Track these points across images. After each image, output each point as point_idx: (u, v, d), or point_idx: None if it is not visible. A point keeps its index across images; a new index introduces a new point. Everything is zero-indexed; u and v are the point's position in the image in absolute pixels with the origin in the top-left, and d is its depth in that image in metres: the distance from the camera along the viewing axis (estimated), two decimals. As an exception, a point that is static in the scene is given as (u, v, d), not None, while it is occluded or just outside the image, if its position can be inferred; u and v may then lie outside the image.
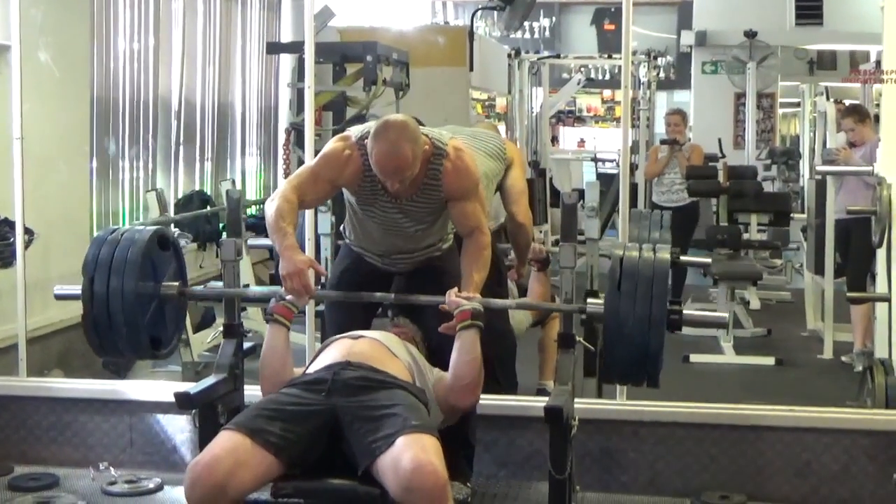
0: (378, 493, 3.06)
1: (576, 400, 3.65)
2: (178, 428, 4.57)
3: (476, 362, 3.45)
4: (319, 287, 4.68)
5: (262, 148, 9.53)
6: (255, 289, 6.22)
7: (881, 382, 4.48)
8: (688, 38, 12.60)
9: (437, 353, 3.68)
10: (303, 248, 4.79)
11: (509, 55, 11.12)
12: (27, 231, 4.96)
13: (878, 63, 6.78)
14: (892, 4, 4.92)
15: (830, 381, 6.31)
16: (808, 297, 7.65)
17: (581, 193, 5.13)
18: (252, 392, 3.81)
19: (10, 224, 4.97)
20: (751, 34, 11.24)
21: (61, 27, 5.85)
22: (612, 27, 15.23)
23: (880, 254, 5.11)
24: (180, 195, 7.84)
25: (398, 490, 2.97)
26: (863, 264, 6.38)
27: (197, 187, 8.11)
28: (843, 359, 6.69)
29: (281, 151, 8.33)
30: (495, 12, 14.97)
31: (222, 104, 8.61)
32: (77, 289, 3.73)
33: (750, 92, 11.42)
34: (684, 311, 3.48)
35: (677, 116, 8.88)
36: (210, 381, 3.69)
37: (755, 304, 8.19)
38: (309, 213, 4.84)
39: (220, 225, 7.50)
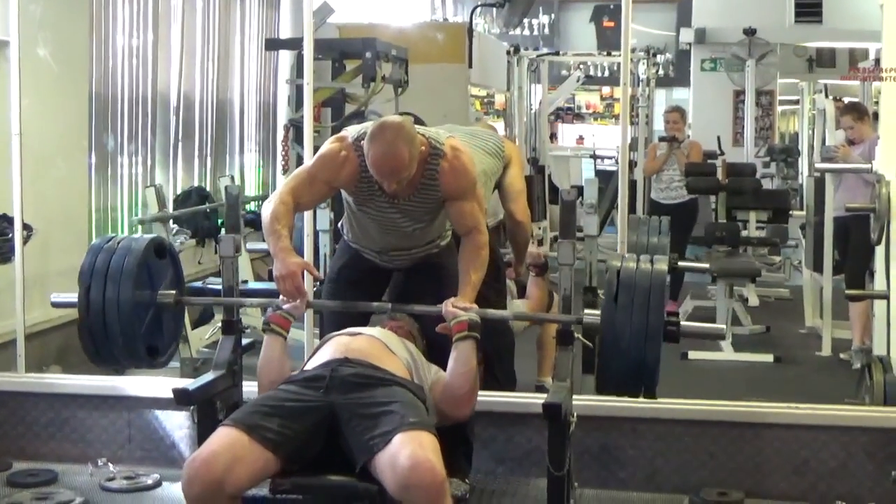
0: (376, 489, 3.06)
1: (574, 396, 3.66)
2: (177, 424, 4.56)
3: (471, 374, 3.44)
4: (317, 284, 4.70)
5: (261, 144, 9.52)
6: (253, 291, 6.24)
7: (879, 379, 4.48)
8: (687, 35, 12.58)
9: (436, 348, 3.67)
10: (302, 245, 4.83)
11: (508, 52, 11.12)
12: (25, 227, 4.96)
13: (877, 61, 6.79)
14: (892, 2, 4.91)
15: (829, 378, 6.32)
16: (806, 294, 7.66)
17: (580, 190, 5.13)
18: (250, 388, 3.81)
19: (8, 220, 4.97)
20: (750, 31, 11.24)
21: (60, 23, 5.85)
22: (612, 24, 15.23)
23: (879, 251, 5.11)
24: (179, 191, 7.83)
25: (396, 487, 2.97)
26: (861, 261, 6.38)
27: (196, 183, 8.10)
28: (842, 356, 6.69)
29: (280, 148, 8.34)
30: (494, 9, 14.97)
31: (221, 100, 8.60)
32: (73, 297, 3.73)
33: (749, 89, 11.42)
34: (682, 323, 3.46)
35: (676, 114, 8.88)
36: (208, 377, 3.69)
37: (754, 301, 8.20)
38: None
39: (219, 221, 7.49)
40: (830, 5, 11.86)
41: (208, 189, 8.07)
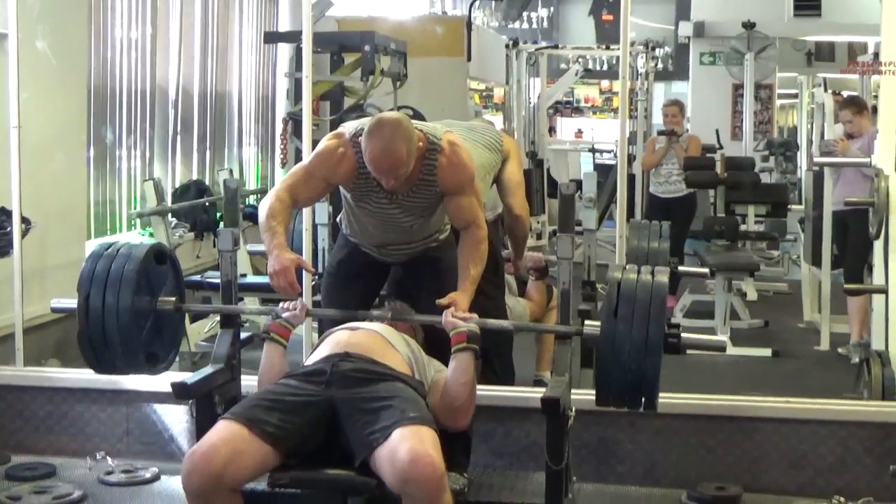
0: (374, 483, 3.07)
1: (572, 391, 3.66)
2: (175, 418, 4.57)
3: (469, 385, 3.42)
4: (315, 278, 4.70)
5: (260, 137, 9.51)
6: (252, 285, 6.26)
7: (878, 374, 4.48)
8: (686, 28, 12.56)
9: (435, 342, 3.67)
10: (300, 241, 4.83)
11: (507, 45, 11.11)
12: (24, 220, 4.95)
13: (877, 54, 6.77)
14: (891, -4, 4.90)
15: (827, 373, 6.32)
16: (805, 288, 7.66)
17: (579, 184, 5.12)
18: (249, 382, 3.81)
19: (6, 213, 4.96)
20: (749, 25, 11.21)
21: (58, 15, 5.83)
22: (611, 18, 15.23)
23: (877, 245, 5.11)
24: (177, 185, 7.82)
25: (395, 481, 2.98)
26: (860, 256, 6.38)
27: (194, 177, 8.09)
28: (840, 350, 6.70)
29: (278, 141, 8.33)
30: (493, 2, 14.97)
31: (220, 93, 8.59)
32: (73, 303, 3.71)
33: (748, 83, 11.39)
34: (683, 335, 3.42)
35: (675, 107, 8.87)
36: (207, 371, 3.69)
37: (752, 295, 8.20)
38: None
39: (218, 215, 7.48)
40: (829, -1, 11.86)
41: (207, 183, 8.06)
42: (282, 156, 7.94)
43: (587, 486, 4.20)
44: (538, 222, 10.00)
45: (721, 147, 10.27)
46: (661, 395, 4.20)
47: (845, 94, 8.57)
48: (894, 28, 4.83)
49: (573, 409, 3.50)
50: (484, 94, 13.93)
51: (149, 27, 7.36)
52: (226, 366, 3.73)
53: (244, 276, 6.33)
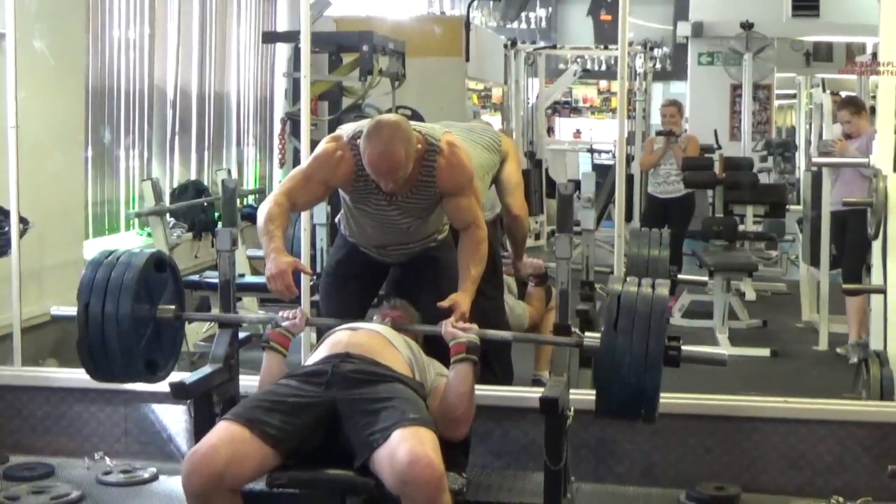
0: (373, 483, 3.06)
1: (571, 391, 3.65)
2: (174, 418, 4.56)
3: (468, 396, 3.40)
4: (313, 278, 4.70)
5: (258, 137, 9.51)
6: (250, 285, 6.26)
7: (876, 374, 4.48)
8: (684, 29, 12.57)
9: (435, 341, 3.66)
10: (298, 242, 4.83)
11: (506, 45, 11.13)
12: (22, 220, 4.95)
13: (875, 55, 6.77)
14: (889, -4, 4.90)
15: (825, 373, 6.32)
16: (803, 288, 7.66)
17: (577, 184, 5.12)
18: (247, 383, 3.81)
19: (4, 213, 4.95)
20: (747, 25, 11.23)
21: (56, 15, 5.83)
22: (609, 18, 15.26)
23: (876, 245, 5.11)
24: (175, 185, 7.82)
25: (394, 482, 2.97)
26: (858, 256, 6.38)
27: (192, 177, 8.08)
28: (839, 350, 6.69)
29: (276, 141, 8.34)
30: (492, 2, 14.98)
31: (218, 93, 8.58)
32: (73, 311, 3.70)
33: (746, 83, 11.41)
34: (683, 348, 3.40)
35: (673, 107, 8.88)
36: (205, 371, 3.68)
37: (751, 295, 8.20)
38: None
39: (216, 214, 7.48)
40: (827, -1, 11.88)
41: (205, 183, 8.06)
42: (280, 156, 7.95)
43: (585, 485, 4.20)
44: (537, 222, 10.02)
45: (719, 147, 10.29)
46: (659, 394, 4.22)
47: (843, 94, 8.60)
48: (892, 28, 4.83)
49: (571, 409, 3.49)
50: (482, 94, 13.94)
51: (147, 27, 7.36)
52: (224, 366, 3.72)
53: (242, 275, 6.33)
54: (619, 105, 5.13)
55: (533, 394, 3.84)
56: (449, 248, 3.95)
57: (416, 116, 7.31)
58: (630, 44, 9.11)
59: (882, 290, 4.94)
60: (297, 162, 6.64)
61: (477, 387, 3.57)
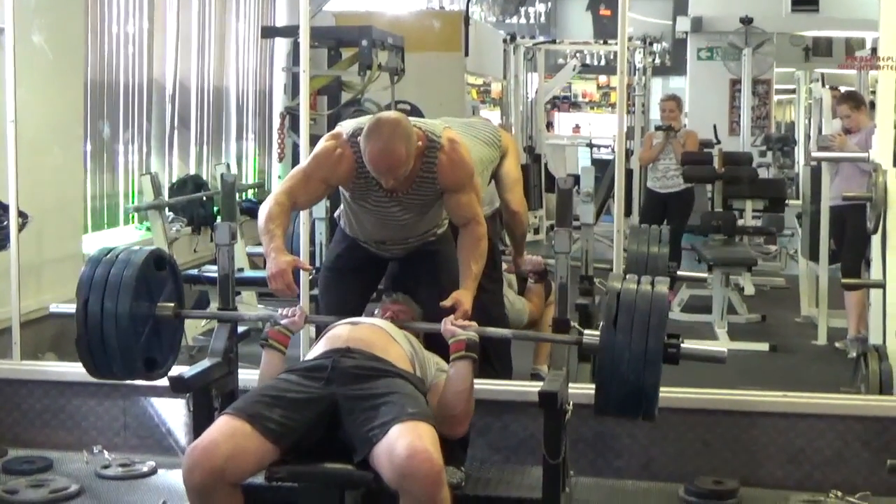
0: (371, 476, 3.07)
1: (570, 385, 3.66)
2: (173, 412, 4.56)
3: (467, 394, 3.41)
4: (314, 273, 4.70)
5: (257, 132, 9.50)
6: (249, 279, 6.25)
7: (875, 368, 4.48)
8: (683, 24, 12.58)
9: (435, 336, 3.67)
10: (297, 236, 4.83)
11: (505, 40, 11.13)
12: (21, 214, 4.94)
13: (874, 50, 6.78)
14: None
15: (824, 367, 6.32)
16: (802, 283, 7.66)
17: (576, 179, 5.12)
18: (246, 376, 3.81)
19: (3, 207, 4.95)
20: (747, 20, 11.22)
21: (55, 9, 5.82)
22: (608, 13, 15.23)
23: (875, 240, 5.11)
24: (174, 179, 7.81)
25: (393, 477, 2.97)
26: (858, 251, 6.38)
27: (191, 171, 8.08)
28: (838, 345, 6.70)
29: (276, 136, 8.32)
30: (491, -3, 14.95)
31: (217, 88, 8.57)
32: (71, 308, 3.70)
33: (745, 78, 11.40)
34: (682, 346, 3.40)
35: (672, 102, 8.89)
36: (204, 364, 3.68)
37: (750, 290, 8.20)
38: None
39: (215, 209, 7.48)
40: (827, -6, 11.87)
41: (204, 177, 8.05)
42: (279, 150, 7.94)
43: (584, 480, 4.20)
44: (536, 217, 10.02)
45: (719, 142, 10.30)
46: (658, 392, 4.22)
47: (843, 89, 8.58)
48: (892, 23, 4.83)
49: (570, 403, 3.50)
50: (481, 89, 13.92)
51: (146, 21, 7.35)
52: (223, 359, 3.73)
53: (241, 270, 6.33)
54: (618, 100, 5.13)
55: (532, 388, 3.84)
56: (448, 243, 3.95)
57: (415, 111, 7.31)
58: (629, 39, 9.10)
59: (881, 285, 4.94)
60: (296, 156, 6.63)
61: (476, 381, 3.57)
